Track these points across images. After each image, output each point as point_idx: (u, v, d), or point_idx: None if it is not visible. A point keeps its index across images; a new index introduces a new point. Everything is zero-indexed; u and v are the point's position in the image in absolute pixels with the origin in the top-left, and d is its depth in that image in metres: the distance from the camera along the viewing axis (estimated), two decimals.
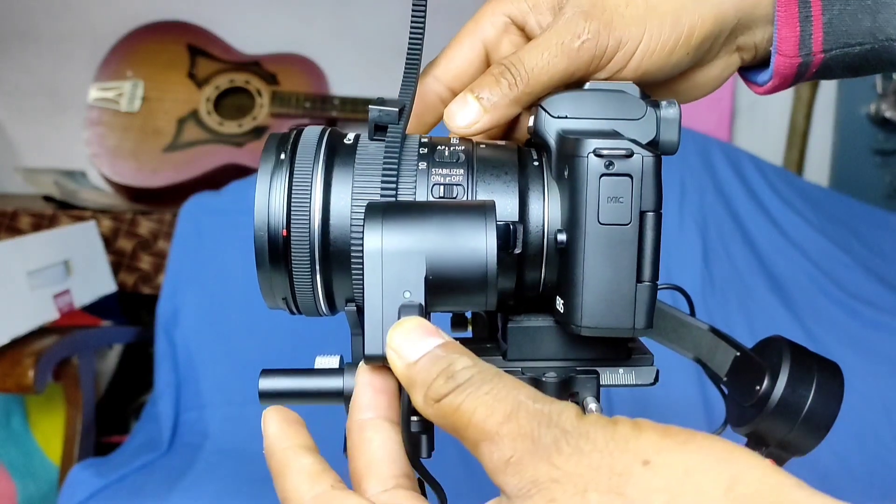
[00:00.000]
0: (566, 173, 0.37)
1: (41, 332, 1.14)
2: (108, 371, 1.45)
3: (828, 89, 1.57)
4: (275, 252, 0.38)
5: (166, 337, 1.23)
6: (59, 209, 1.45)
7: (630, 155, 0.35)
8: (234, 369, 1.21)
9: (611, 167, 0.35)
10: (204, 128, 1.58)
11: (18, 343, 1.07)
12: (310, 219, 0.38)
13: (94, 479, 1.02)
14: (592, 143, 0.35)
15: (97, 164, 1.58)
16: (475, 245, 0.34)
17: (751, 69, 0.45)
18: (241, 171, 1.53)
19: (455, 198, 0.38)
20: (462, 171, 0.39)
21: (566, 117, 0.39)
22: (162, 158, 1.56)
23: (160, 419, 1.17)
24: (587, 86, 0.40)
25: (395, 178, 0.38)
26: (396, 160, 0.38)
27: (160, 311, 1.25)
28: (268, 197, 0.38)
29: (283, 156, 0.38)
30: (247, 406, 1.18)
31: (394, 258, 0.33)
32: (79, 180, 1.60)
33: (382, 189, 0.38)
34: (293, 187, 0.38)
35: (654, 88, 0.44)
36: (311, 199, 0.38)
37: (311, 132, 0.40)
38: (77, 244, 1.31)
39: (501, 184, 0.39)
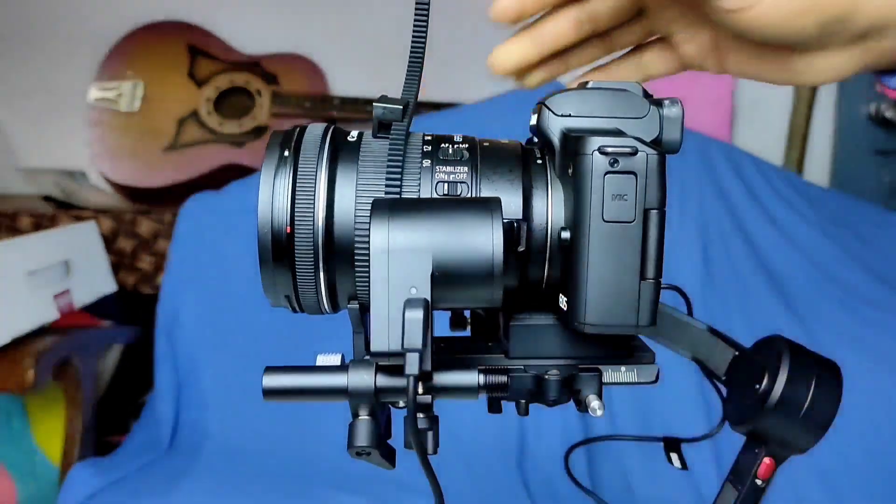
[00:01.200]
0: (570, 171, 0.37)
1: (41, 332, 1.14)
2: (108, 371, 1.45)
3: (828, 89, 1.57)
4: (278, 249, 0.38)
5: (166, 337, 1.23)
6: (59, 209, 1.45)
7: (634, 153, 0.35)
8: (234, 369, 1.21)
9: (615, 165, 0.35)
10: (204, 128, 1.58)
11: (18, 343, 1.07)
12: (313, 216, 0.38)
13: (94, 479, 1.02)
14: (597, 141, 0.35)
15: (97, 163, 1.58)
16: (482, 241, 0.34)
17: (884, 72, 0.44)
18: (241, 171, 1.53)
19: (459, 195, 0.38)
20: (466, 168, 0.39)
21: (570, 115, 0.39)
22: (162, 158, 1.56)
23: (160, 419, 1.17)
24: (590, 84, 0.40)
25: (399, 176, 0.38)
26: (401, 157, 0.38)
27: (160, 311, 1.25)
28: (271, 194, 0.38)
29: (286, 153, 0.38)
30: (247, 406, 1.18)
31: (400, 255, 0.34)
32: (79, 180, 1.60)
33: (387, 186, 0.38)
34: (297, 184, 0.38)
35: (773, 57, 0.43)
36: (314, 196, 0.38)
37: (315, 129, 0.40)
38: (77, 244, 1.31)
39: (505, 181, 0.39)
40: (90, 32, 1.71)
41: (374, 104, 0.39)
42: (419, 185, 0.38)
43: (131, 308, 1.51)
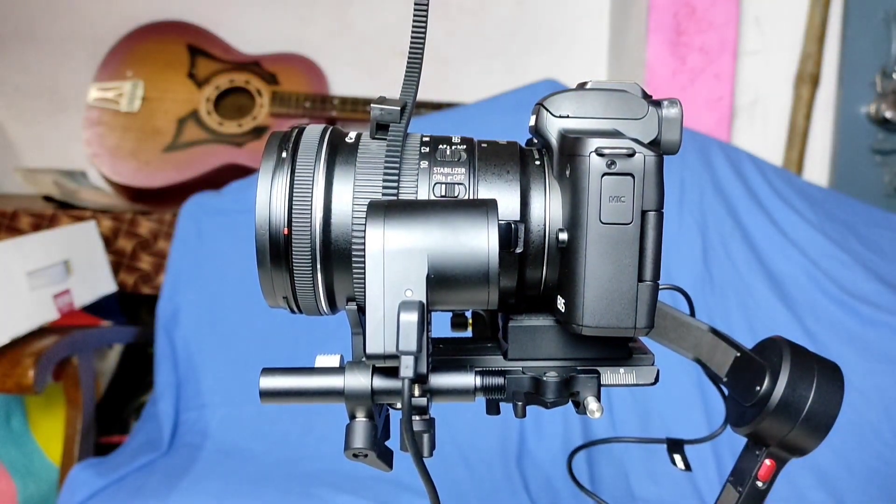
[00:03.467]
0: (568, 172, 0.37)
1: (41, 332, 1.14)
2: (108, 371, 1.45)
3: (828, 89, 1.57)
4: (276, 251, 0.38)
5: (166, 337, 1.23)
6: (59, 209, 1.45)
7: (632, 154, 0.35)
8: (234, 369, 1.21)
9: (612, 166, 0.35)
10: (204, 128, 1.58)
11: (18, 343, 1.07)
12: (311, 217, 0.37)
13: (94, 479, 1.02)
14: (594, 143, 0.35)
15: (97, 164, 1.58)
16: (477, 243, 0.34)
17: None
18: (241, 171, 1.53)
19: (457, 196, 0.38)
20: (463, 170, 0.39)
21: (568, 116, 0.39)
22: (162, 158, 1.56)
23: (160, 419, 1.17)
24: (589, 85, 0.40)
25: (396, 177, 0.38)
26: (398, 159, 0.38)
27: (160, 311, 1.25)
28: (269, 195, 0.38)
29: (284, 154, 0.38)
30: (247, 406, 1.18)
31: (396, 257, 0.33)
32: (79, 180, 1.60)
33: (384, 188, 0.38)
34: (294, 186, 0.38)
35: None
36: (312, 197, 0.38)
37: (313, 131, 0.40)
38: (77, 244, 1.31)
39: (503, 183, 0.39)
40: (90, 32, 1.71)
41: (371, 105, 0.39)
42: (416, 186, 0.38)
43: (131, 308, 1.51)
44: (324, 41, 1.70)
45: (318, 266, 0.38)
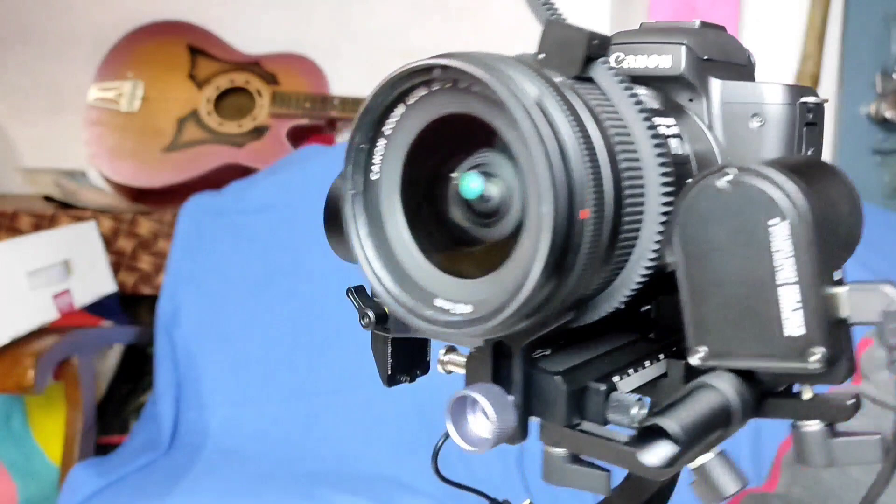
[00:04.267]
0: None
1: (41, 332, 1.14)
2: (108, 371, 1.45)
3: (828, 89, 1.57)
4: (566, 247, 0.25)
5: (166, 337, 1.23)
6: (59, 209, 1.45)
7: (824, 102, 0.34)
8: (234, 369, 1.21)
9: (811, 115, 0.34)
10: (204, 128, 1.58)
11: (18, 343, 1.07)
12: (602, 190, 0.26)
13: (94, 479, 1.02)
14: (795, 92, 0.36)
15: (97, 164, 1.58)
16: (853, 196, 0.30)
17: None
18: (241, 171, 1.53)
19: (672, 151, 0.32)
20: (672, 120, 0.35)
21: (711, 60, 0.36)
22: (162, 158, 1.56)
23: (160, 419, 1.18)
24: (697, 24, 0.37)
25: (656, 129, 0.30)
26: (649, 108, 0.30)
27: (160, 311, 1.25)
28: (563, 163, 0.24)
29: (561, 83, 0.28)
30: (247, 406, 1.18)
31: (823, 230, 0.26)
32: (79, 180, 1.60)
33: (656, 147, 0.28)
34: (612, 137, 0.27)
35: None
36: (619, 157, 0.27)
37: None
38: (77, 244, 1.31)
39: (706, 136, 0.36)
40: (90, 32, 1.71)
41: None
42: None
43: (131, 308, 1.51)
44: (324, 41, 1.70)
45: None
